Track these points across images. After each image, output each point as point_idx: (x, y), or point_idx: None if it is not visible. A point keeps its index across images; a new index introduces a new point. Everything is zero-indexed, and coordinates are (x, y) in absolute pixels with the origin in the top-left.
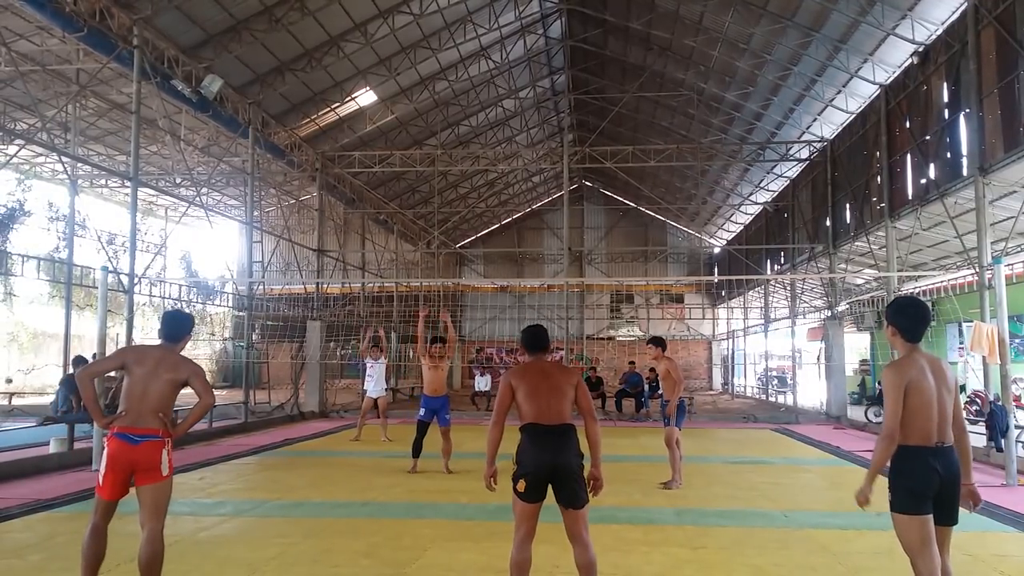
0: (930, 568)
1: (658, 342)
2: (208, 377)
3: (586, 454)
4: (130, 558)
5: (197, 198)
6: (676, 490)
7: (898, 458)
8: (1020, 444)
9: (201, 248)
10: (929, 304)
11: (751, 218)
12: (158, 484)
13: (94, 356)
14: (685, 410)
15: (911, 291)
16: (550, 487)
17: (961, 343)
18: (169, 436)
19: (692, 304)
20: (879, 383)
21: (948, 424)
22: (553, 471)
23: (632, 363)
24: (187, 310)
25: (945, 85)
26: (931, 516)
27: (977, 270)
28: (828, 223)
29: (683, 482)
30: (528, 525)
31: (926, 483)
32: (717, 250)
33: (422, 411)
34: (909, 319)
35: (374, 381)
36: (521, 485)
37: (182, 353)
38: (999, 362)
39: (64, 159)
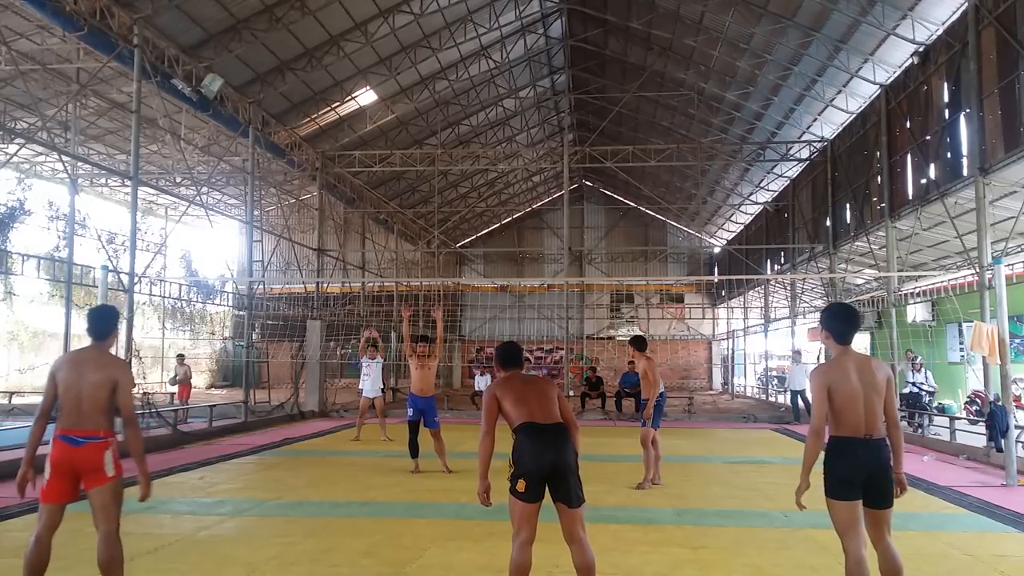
0: (855, 544)
1: (636, 342)
2: (208, 377)
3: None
4: (128, 558)
5: (197, 197)
6: (674, 491)
7: (830, 449)
8: (1020, 444)
9: (201, 247)
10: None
11: (751, 218)
12: (104, 486)
13: None
14: (663, 410)
15: (912, 291)
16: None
17: (961, 343)
18: (112, 436)
19: (692, 304)
20: None
21: (877, 419)
22: (553, 468)
23: (631, 363)
24: (186, 310)
25: (945, 85)
26: (858, 502)
27: (977, 270)
28: (828, 223)
29: (662, 481)
30: (530, 527)
31: (854, 472)
32: (717, 250)
33: (410, 411)
34: (840, 323)
35: (371, 381)
36: (521, 485)
37: (112, 351)
38: (999, 362)
39: (64, 158)
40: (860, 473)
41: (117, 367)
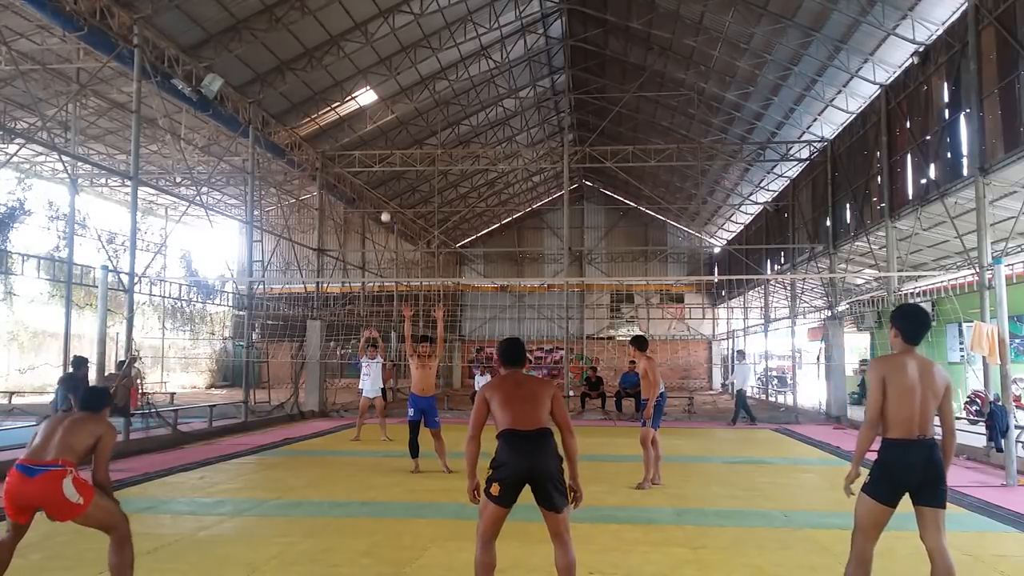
0: (869, 546)
1: (637, 342)
2: (208, 377)
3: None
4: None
5: (197, 197)
6: (674, 491)
7: (884, 452)
8: (1020, 444)
9: (201, 247)
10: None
11: (751, 218)
12: (86, 514)
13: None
14: (663, 410)
15: (912, 291)
16: (524, 492)
17: (961, 343)
18: (72, 465)
19: (692, 304)
20: None
21: (929, 421)
22: (530, 473)
23: (632, 363)
24: (186, 310)
25: (945, 85)
26: (892, 509)
27: (977, 270)
28: (828, 223)
29: (662, 481)
30: (495, 528)
31: (905, 476)
32: (717, 250)
33: (410, 411)
34: (911, 323)
35: (370, 380)
36: (495, 488)
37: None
38: (999, 362)
39: (64, 158)
40: (911, 477)
41: (106, 425)
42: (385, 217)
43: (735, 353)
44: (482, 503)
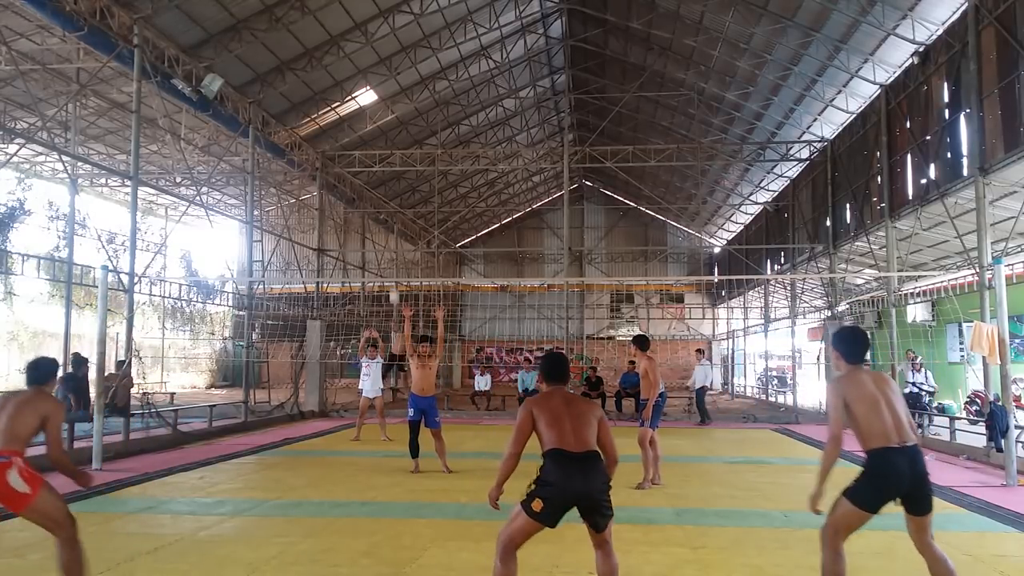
0: (839, 543)
1: (639, 341)
2: (208, 377)
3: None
4: (129, 558)
5: (197, 197)
6: (674, 491)
7: (871, 463)
8: (1020, 444)
9: (201, 247)
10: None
11: (751, 218)
12: (30, 507)
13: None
14: (662, 410)
15: (910, 291)
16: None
17: (961, 343)
18: (17, 455)
19: (692, 304)
20: None
21: (904, 424)
22: (579, 498)
23: (632, 363)
24: (186, 310)
25: (945, 85)
26: (874, 516)
27: (977, 270)
28: (828, 223)
29: (662, 481)
30: (522, 541)
31: (895, 484)
32: (717, 250)
33: (411, 411)
34: (849, 345)
35: (370, 380)
36: (537, 504)
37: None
38: (999, 362)
39: (64, 158)
40: (900, 484)
41: (51, 404)
42: (394, 298)
43: (695, 352)
44: (516, 511)
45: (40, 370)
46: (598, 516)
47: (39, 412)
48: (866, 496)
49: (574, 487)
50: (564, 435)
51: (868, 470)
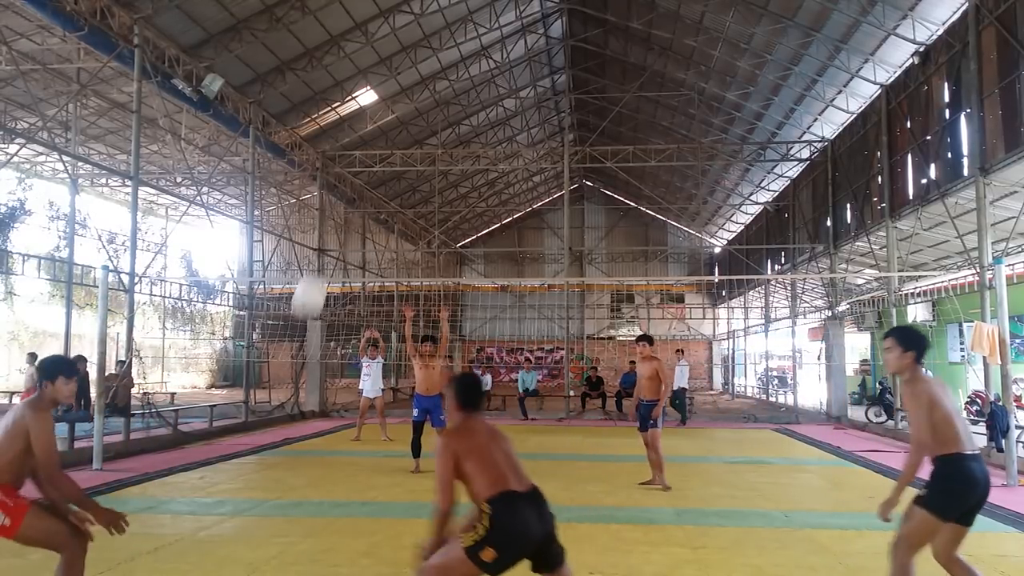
0: (909, 561)
1: (648, 339)
2: (209, 377)
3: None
4: (130, 557)
5: (198, 197)
6: (674, 491)
7: (951, 466)
8: (1020, 444)
9: (201, 247)
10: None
11: (751, 218)
12: (18, 537)
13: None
14: (664, 411)
15: (910, 291)
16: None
17: (962, 343)
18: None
19: (692, 304)
20: (879, 383)
21: (970, 433)
22: (543, 541)
23: (633, 363)
24: (187, 310)
25: (946, 85)
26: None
27: (978, 270)
28: (829, 223)
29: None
30: None
31: (978, 491)
32: (717, 250)
33: (415, 411)
34: (925, 346)
35: (371, 380)
36: (489, 554)
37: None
38: (1000, 362)
39: (65, 158)
40: (982, 492)
41: (29, 416)
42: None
43: (675, 352)
44: (454, 556)
45: (40, 370)
46: (555, 546)
47: (20, 430)
48: (950, 504)
49: (534, 533)
50: (504, 475)
51: (948, 475)
